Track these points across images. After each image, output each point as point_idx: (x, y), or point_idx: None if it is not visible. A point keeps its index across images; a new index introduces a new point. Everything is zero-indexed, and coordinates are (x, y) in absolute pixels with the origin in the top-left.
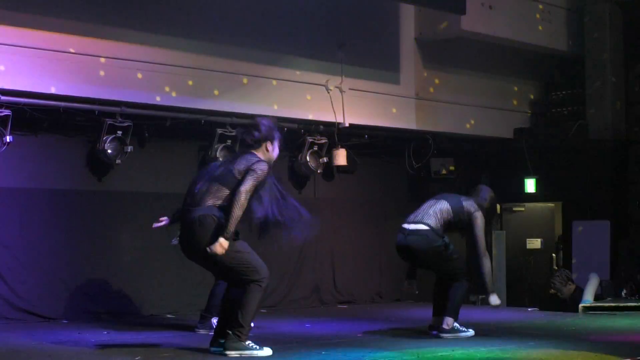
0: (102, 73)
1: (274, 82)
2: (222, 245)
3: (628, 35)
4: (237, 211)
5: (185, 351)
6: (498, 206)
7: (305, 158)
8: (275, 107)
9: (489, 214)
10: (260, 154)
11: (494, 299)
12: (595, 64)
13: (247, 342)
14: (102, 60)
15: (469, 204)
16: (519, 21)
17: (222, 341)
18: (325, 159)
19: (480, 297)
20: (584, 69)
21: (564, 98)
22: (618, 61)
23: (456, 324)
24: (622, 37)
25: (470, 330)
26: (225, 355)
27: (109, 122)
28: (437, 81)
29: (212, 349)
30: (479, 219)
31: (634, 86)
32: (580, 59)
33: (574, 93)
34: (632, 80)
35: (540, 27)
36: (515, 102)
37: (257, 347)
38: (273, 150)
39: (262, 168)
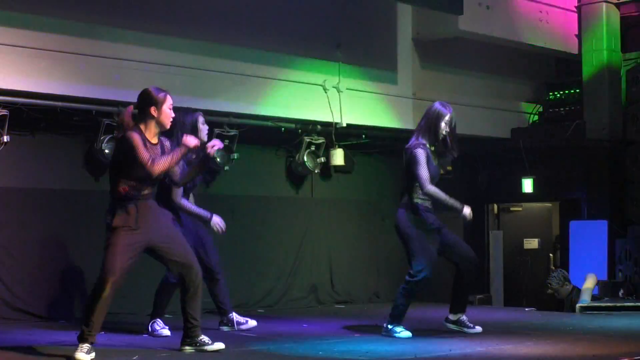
0: (99, 73)
1: (271, 81)
2: None
3: (625, 35)
4: None
5: (183, 351)
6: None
7: (303, 158)
8: (273, 106)
9: None
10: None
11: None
12: (592, 64)
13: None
14: (100, 60)
15: None
16: (516, 21)
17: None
18: (322, 159)
19: (477, 297)
20: (581, 69)
21: (561, 98)
22: (615, 61)
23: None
24: (619, 38)
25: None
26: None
27: (106, 122)
28: (434, 81)
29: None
30: None
31: (631, 86)
32: (577, 59)
33: (571, 93)
34: (629, 80)
35: (537, 27)
36: (512, 102)
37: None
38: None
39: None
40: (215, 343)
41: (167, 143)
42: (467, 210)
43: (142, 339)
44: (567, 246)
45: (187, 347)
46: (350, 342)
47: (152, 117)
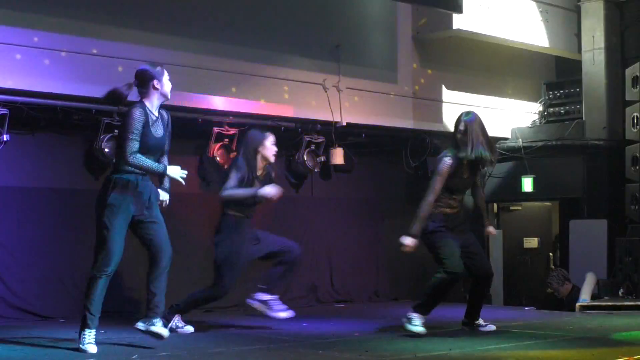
0: (99, 72)
1: (271, 81)
2: None
3: (624, 34)
4: None
5: (182, 350)
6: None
7: (303, 157)
8: (273, 106)
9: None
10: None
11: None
12: (592, 64)
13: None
14: (100, 59)
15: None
16: (515, 20)
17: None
18: (322, 158)
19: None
20: (580, 69)
21: (560, 97)
22: (614, 61)
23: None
24: (619, 37)
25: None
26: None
27: (106, 121)
28: (434, 81)
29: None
30: None
31: (630, 86)
32: (577, 59)
33: (570, 92)
34: (630, 79)
35: (537, 27)
36: (512, 102)
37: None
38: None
39: None
40: (161, 328)
41: (166, 116)
42: None
43: (142, 338)
44: (567, 245)
45: (139, 324)
46: (350, 341)
47: (156, 89)
